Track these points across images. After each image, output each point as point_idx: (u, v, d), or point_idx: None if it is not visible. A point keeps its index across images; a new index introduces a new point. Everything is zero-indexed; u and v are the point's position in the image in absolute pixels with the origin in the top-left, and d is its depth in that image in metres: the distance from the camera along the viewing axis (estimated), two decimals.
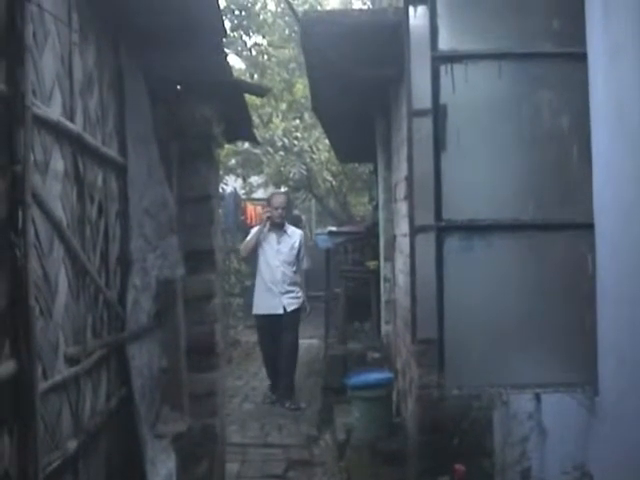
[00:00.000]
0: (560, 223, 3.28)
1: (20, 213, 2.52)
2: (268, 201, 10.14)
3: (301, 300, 9.89)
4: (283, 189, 16.59)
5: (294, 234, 10.02)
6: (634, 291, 2.77)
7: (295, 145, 14.90)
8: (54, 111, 2.98)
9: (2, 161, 2.45)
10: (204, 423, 5.34)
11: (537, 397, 3.84)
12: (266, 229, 9.76)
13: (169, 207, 4.81)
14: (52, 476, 2.78)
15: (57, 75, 3.03)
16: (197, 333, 5.35)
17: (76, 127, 3.24)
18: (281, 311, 9.60)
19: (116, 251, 3.94)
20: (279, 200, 9.91)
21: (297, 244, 9.92)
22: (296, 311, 9.82)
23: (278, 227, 9.78)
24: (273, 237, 9.79)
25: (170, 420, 4.72)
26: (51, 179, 2.92)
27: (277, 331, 9.67)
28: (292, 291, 9.75)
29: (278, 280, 9.67)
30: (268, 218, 9.75)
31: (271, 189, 17.63)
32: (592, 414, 3.16)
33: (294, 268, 9.84)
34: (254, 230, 10.06)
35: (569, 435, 3.45)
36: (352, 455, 6.99)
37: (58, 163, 3.02)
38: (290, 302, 9.69)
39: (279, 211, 9.73)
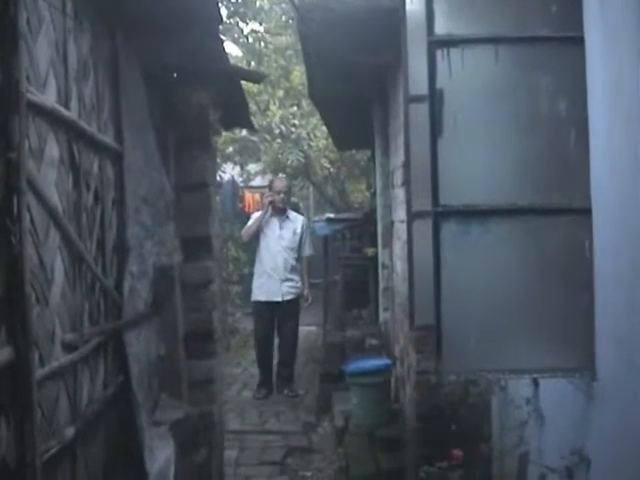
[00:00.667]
0: (558, 208, 3.27)
1: (15, 200, 2.50)
2: (270, 186, 9.93)
3: (300, 290, 9.75)
4: (281, 176, 16.61)
5: (296, 219, 9.86)
6: (632, 275, 2.76)
7: (293, 132, 14.87)
8: (49, 98, 2.96)
9: None
10: (202, 410, 5.35)
11: (535, 382, 3.84)
12: (268, 214, 9.57)
13: (166, 194, 4.80)
14: (50, 463, 2.78)
15: (52, 61, 3.01)
16: (195, 320, 5.35)
17: (71, 114, 3.23)
18: (280, 298, 9.44)
19: (113, 238, 3.93)
20: (281, 184, 9.74)
21: (299, 230, 9.74)
22: (296, 300, 9.71)
23: (280, 212, 9.60)
24: (275, 222, 9.59)
25: (168, 407, 4.72)
26: (46, 166, 2.91)
27: (274, 319, 9.57)
28: (292, 279, 9.60)
29: (279, 266, 9.49)
30: (270, 203, 9.54)
31: (269, 177, 17.61)
32: (590, 399, 3.16)
33: (295, 255, 9.68)
34: (255, 215, 9.87)
35: (567, 420, 3.46)
36: (350, 442, 7.03)
37: (53, 150, 3.01)
38: (289, 291, 9.53)
39: (281, 195, 9.53)
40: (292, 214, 9.89)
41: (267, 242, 9.55)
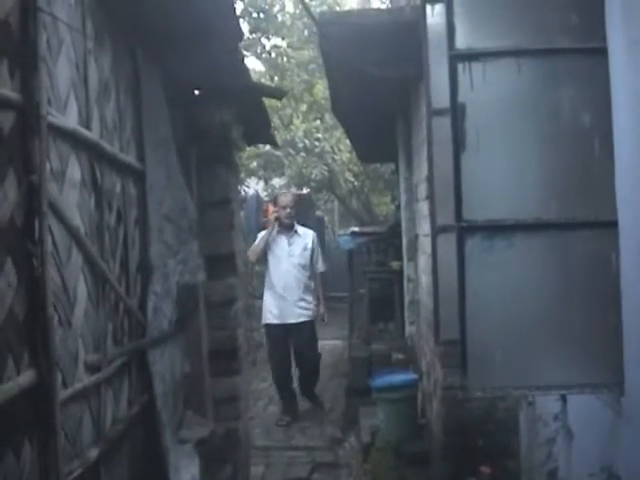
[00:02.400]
0: (583, 222, 3.24)
1: (37, 222, 2.51)
2: (274, 202, 9.37)
3: (314, 310, 9.15)
4: (305, 190, 16.61)
5: (306, 234, 9.23)
6: None
7: (316, 146, 14.93)
8: (70, 119, 2.97)
9: (18, 171, 2.45)
10: (228, 427, 5.34)
11: (563, 398, 3.79)
12: (275, 231, 8.99)
13: (189, 212, 4.81)
14: None
15: (72, 83, 3.02)
16: (219, 338, 5.35)
17: (93, 135, 3.24)
18: (294, 320, 8.86)
19: (136, 258, 3.93)
20: (286, 199, 9.11)
21: (310, 245, 9.14)
22: (311, 323, 9.14)
23: (288, 228, 9.02)
24: (283, 239, 9.01)
25: (193, 425, 4.71)
26: (68, 188, 2.92)
27: (289, 342, 9.02)
28: (305, 299, 9.00)
29: (291, 286, 8.90)
30: (276, 219, 8.96)
31: (293, 191, 17.68)
32: (618, 415, 3.11)
33: (308, 272, 9.08)
34: (262, 233, 9.23)
35: (596, 436, 3.41)
36: (377, 457, 6.97)
37: (75, 171, 3.02)
38: (303, 313, 8.95)
39: (287, 210, 8.94)
40: (301, 229, 9.27)
41: (276, 261, 8.97)
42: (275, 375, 9.11)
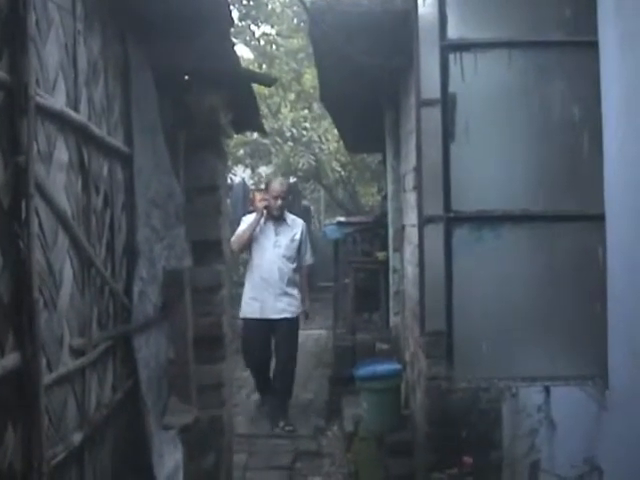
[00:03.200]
0: (570, 214, 3.25)
1: (23, 204, 2.49)
2: (266, 187, 8.78)
3: (299, 308, 8.49)
4: (292, 179, 16.58)
5: (295, 224, 8.59)
6: None
7: (304, 135, 14.91)
8: (58, 101, 2.94)
9: (5, 152, 2.42)
10: (211, 414, 5.33)
11: (546, 390, 3.81)
12: (262, 221, 8.30)
13: (176, 197, 4.78)
14: (57, 469, 2.76)
15: (61, 64, 2.99)
16: (204, 324, 5.32)
17: (81, 117, 3.21)
18: (277, 316, 8.18)
19: (122, 242, 3.91)
20: (280, 188, 8.42)
21: (298, 235, 8.49)
22: (294, 320, 8.45)
23: (276, 217, 8.36)
24: (270, 227, 8.34)
25: (177, 411, 4.70)
26: (55, 170, 2.89)
27: (270, 340, 8.36)
28: (291, 294, 8.34)
29: (275, 278, 8.21)
30: (265, 208, 8.27)
31: (281, 180, 17.64)
32: (602, 407, 3.13)
33: (294, 265, 8.43)
34: (247, 219, 8.46)
35: (579, 428, 3.42)
36: (360, 446, 7.00)
37: (62, 153, 2.99)
38: (286, 308, 8.27)
39: (278, 202, 8.28)
40: (290, 217, 8.64)
41: (260, 250, 8.29)
42: (253, 371, 8.62)
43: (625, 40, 2.92)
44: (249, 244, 8.29)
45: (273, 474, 6.95)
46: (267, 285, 8.20)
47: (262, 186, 17.69)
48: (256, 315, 8.19)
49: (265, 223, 8.34)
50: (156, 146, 4.48)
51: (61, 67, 2.99)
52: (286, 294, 8.28)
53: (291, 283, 8.37)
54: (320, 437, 8.04)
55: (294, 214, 9.14)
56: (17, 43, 2.50)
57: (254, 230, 8.24)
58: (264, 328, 8.18)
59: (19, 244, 2.47)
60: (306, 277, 8.91)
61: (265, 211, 8.29)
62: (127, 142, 4.03)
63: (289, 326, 8.30)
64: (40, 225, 2.69)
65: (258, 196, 8.87)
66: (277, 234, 8.37)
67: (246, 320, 8.32)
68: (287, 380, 8.42)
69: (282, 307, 8.23)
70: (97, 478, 3.33)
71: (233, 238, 7.99)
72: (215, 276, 5.43)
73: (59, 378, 2.84)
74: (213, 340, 5.40)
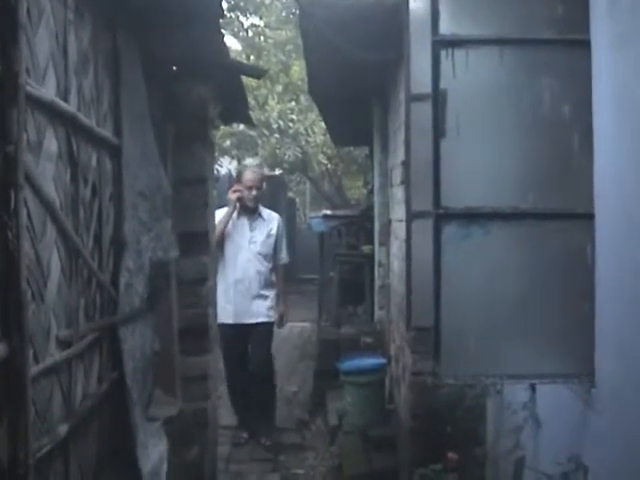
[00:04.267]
0: (560, 213, 3.25)
1: (12, 194, 2.47)
2: (238, 177, 7.88)
3: (273, 310, 7.62)
4: (277, 171, 16.57)
5: (271, 218, 7.71)
6: (633, 282, 2.74)
7: (290, 127, 14.92)
8: (48, 91, 2.92)
9: None
10: (196, 406, 5.32)
11: (532, 387, 3.81)
12: (235, 213, 7.43)
13: (164, 189, 4.76)
14: (43, 461, 2.75)
15: (51, 54, 2.97)
16: (190, 316, 5.32)
17: (70, 107, 3.19)
18: (253, 320, 7.38)
19: (110, 233, 3.89)
20: (253, 177, 7.53)
21: (275, 230, 7.62)
22: (269, 324, 7.60)
23: (250, 210, 7.50)
24: (244, 222, 7.48)
25: (162, 403, 4.69)
26: (44, 160, 2.87)
27: (247, 346, 7.53)
28: (266, 296, 7.50)
29: (250, 278, 7.39)
30: (239, 199, 7.37)
31: (260, 169, 17.64)
32: (588, 406, 3.14)
33: (270, 264, 7.57)
34: (218, 213, 6.97)
35: (564, 426, 3.44)
36: (344, 440, 7.01)
37: (52, 144, 2.97)
38: (262, 311, 7.45)
39: (253, 192, 7.42)
40: (265, 212, 7.72)
41: (234, 248, 7.41)
42: (230, 384, 7.64)
43: (617, 40, 2.92)
44: (221, 241, 7.25)
45: (256, 466, 6.95)
46: (241, 286, 7.38)
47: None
48: (230, 320, 7.31)
49: (238, 217, 7.47)
50: (145, 137, 4.46)
51: (51, 57, 2.97)
52: (262, 296, 7.46)
53: (267, 284, 7.55)
54: (304, 430, 8.04)
55: (279, 207, 8.83)
56: (7, 32, 2.47)
57: (226, 225, 7.34)
58: (239, 334, 7.39)
59: (7, 235, 2.45)
60: (282, 277, 7.96)
61: (238, 204, 7.40)
62: (116, 133, 4.01)
63: (263, 331, 7.50)
64: (29, 216, 2.67)
65: (234, 187, 7.42)
66: (252, 229, 7.51)
67: (222, 326, 7.03)
68: (268, 391, 7.62)
69: (258, 310, 7.43)
70: (82, 470, 3.32)
71: None
72: (201, 268, 5.42)
73: (46, 369, 2.83)
74: (198, 332, 5.40)
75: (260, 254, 7.46)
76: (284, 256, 7.80)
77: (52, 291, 2.94)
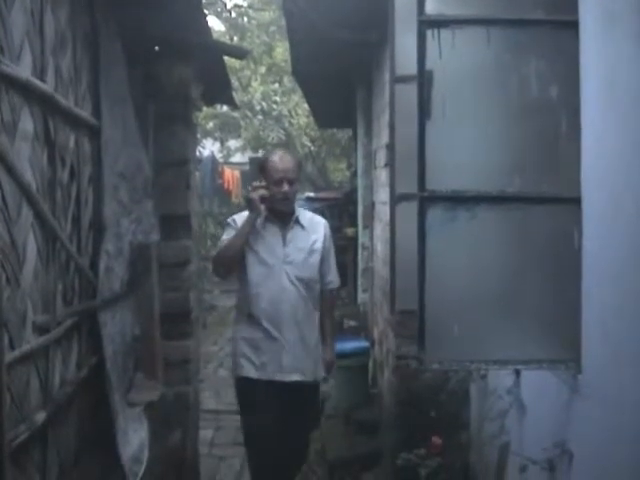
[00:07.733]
0: (547, 196, 3.20)
1: None
2: (262, 168, 4.98)
3: (323, 364, 5.11)
4: (260, 153, 16.48)
5: (314, 225, 5.13)
6: (620, 267, 2.70)
7: (274, 109, 14.86)
8: (23, 70, 2.84)
9: None
10: (178, 391, 5.29)
11: (516, 372, 3.79)
12: (260, 220, 4.88)
13: (144, 171, 4.70)
14: (19, 449, 2.69)
15: (27, 32, 2.89)
16: (171, 300, 5.28)
17: (47, 87, 3.11)
18: (290, 378, 4.82)
19: (89, 216, 3.82)
20: (283, 166, 4.85)
21: (320, 243, 5.06)
22: (314, 387, 5.13)
23: (283, 216, 4.95)
24: (276, 232, 4.92)
25: (143, 388, 4.64)
26: (20, 141, 2.80)
27: (281, 410, 4.76)
28: (310, 342, 4.96)
29: (286, 316, 4.81)
30: (263, 200, 4.79)
31: (249, 153, 17.57)
32: (574, 391, 3.11)
33: (315, 293, 5.02)
34: (236, 219, 4.98)
35: (549, 412, 3.41)
36: (326, 424, 6.98)
37: (27, 124, 2.89)
38: (303, 366, 4.90)
39: (285, 188, 4.82)
40: (305, 216, 5.14)
41: (262, 270, 4.85)
42: (253, 466, 5.03)
43: (607, 20, 2.86)
44: (239, 260, 4.89)
45: (239, 450, 6.88)
46: (275, 328, 4.81)
47: (229, 161, 17.67)
48: (257, 375, 4.83)
49: (265, 226, 4.92)
50: (125, 118, 4.39)
51: (27, 35, 2.89)
52: (304, 341, 4.91)
53: (311, 322, 4.99)
54: None
55: None
56: None
57: (247, 238, 4.85)
58: (272, 395, 4.77)
59: None
60: (330, 309, 5.41)
61: (263, 206, 4.84)
62: (95, 114, 3.94)
63: (310, 396, 5.08)
64: (3, 198, 2.60)
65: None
66: (286, 243, 4.93)
67: (241, 381, 4.94)
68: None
69: (300, 365, 4.88)
70: (61, 457, 3.27)
71: (215, 256, 5.07)
72: (183, 251, 5.37)
73: (22, 356, 2.77)
74: (180, 316, 5.36)
75: (299, 279, 4.89)
76: (334, 278, 5.25)
77: (28, 275, 2.87)
